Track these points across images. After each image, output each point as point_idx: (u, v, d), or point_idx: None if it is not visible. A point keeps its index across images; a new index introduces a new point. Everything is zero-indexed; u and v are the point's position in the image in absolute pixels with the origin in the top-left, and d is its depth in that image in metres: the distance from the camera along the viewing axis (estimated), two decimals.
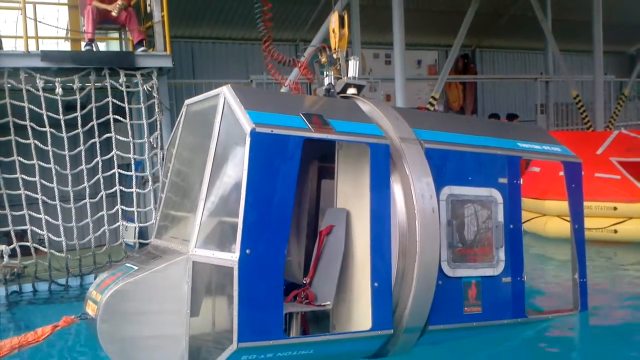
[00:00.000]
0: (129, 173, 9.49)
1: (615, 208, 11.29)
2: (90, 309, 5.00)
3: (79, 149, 9.18)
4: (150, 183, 9.51)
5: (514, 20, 18.96)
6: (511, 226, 6.26)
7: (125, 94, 9.50)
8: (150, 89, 9.73)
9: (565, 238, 10.10)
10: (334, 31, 6.57)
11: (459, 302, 5.89)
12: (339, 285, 5.62)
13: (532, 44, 20.16)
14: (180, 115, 6.04)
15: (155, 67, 9.84)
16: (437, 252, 5.64)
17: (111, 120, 9.39)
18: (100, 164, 9.29)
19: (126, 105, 9.50)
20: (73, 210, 9.06)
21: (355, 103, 6.11)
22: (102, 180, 9.28)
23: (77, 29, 11.72)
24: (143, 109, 9.64)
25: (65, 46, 12.83)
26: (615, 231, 11.26)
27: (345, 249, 5.68)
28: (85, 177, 9.19)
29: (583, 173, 7.11)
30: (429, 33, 18.35)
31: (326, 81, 6.41)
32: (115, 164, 9.35)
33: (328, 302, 5.58)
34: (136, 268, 5.11)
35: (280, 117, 5.10)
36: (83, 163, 9.19)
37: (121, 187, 9.35)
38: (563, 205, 11.15)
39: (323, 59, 6.64)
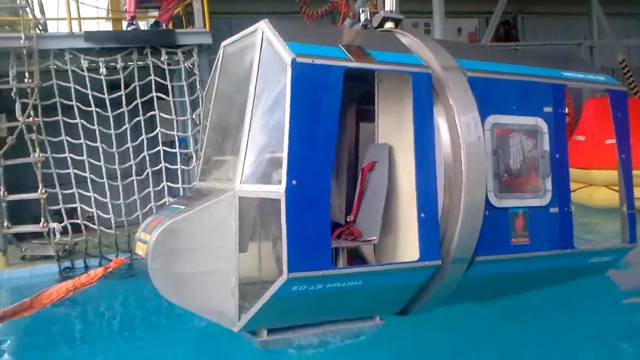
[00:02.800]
0: (173, 150, 9.62)
1: None
2: (140, 250, 5.08)
3: (124, 127, 9.34)
4: (194, 159, 9.61)
5: None
6: (557, 156, 6.16)
7: (167, 71, 9.59)
8: (191, 66, 9.81)
9: (613, 207, 9.93)
10: None
11: (507, 233, 5.83)
12: (384, 221, 5.62)
13: (575, 8, 19.53)
14: (217, 58, 6.04)
15: (195, 44, 9.90)
16: (483, 181, 5.56)
17: (154, 99, 9.49)
18: (145, 141, 9.43)
19: (168, 83, 9.60)
20: (120, 188, 9.24)
21: (394, 35, 6.04)
22: (147, 157, 9.43)
23: (117, 8, 11.84)
24: (185, 87, 9.72)
25: (106, 26, 12.98)
26: None
27: (389, 184, 5.66)
28: (131, 155, 9.35)
29: (631, 136, 6.94)
30: (468, 0, 17.97)
31: (362, 17, 6.33)
32: (160, 142, 9.47)
33: (374, 237, 5.60)
34: (182, 207, 5.17)
35: (321, 49, 5.06)
36: (128, 141, 9.35)
37: (166, 164, 9.49)
38: (610, 175, 10.97)
39: None
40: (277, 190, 4.74)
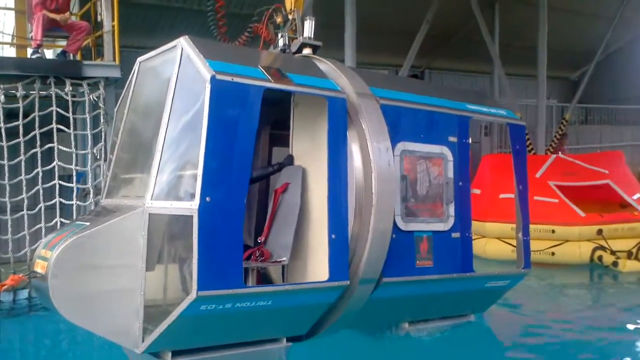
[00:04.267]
0: (70, 185, 9.28)
1: (553, 231, 11.68)
2: (40, 267, 4.85)
3: (19, 158, 8.94)
4: (91, 195, 9.31)
5: (463, 44, 19.45)
6: (460, 183, 6.47)
7: (70, 103, 9.29)
8: (96, 99, 9.55)
9: (505, 259, 10.43)
10: None
11: (412, 256, 6.04)
12: (294, 243, 5.67)
13: (479, 67, 20.68)
14: (132, 73, 5.93)
15: (102, 77, 9.67)
16: (392, 205, 5.76)
17: (54, 130, 9.17)
18: (40, 174, 9.03)
19: (70, 115, 9.29)
20: (9, 222, 8.80)
21: (311, 61, 6.21)
22: (41, 191, 9.02)
23: (23, 35, 11.47)
24: (88, 120, 9.43)
25: (10, 52, 12.53)
26: (553, 253, 11.65)
27: (301, 206, 5.74)
28: (24, 188, 8.93)
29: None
30: (380, 53, 18.64)
31: (281, 42, 6.47)
32: (56, 175, 9.11)
33: (284, 258, 5.64)
34: (87, 224, 5.01)
35: (240, 68, 5.10)
36: (22, 173, 8.95)
37: (61, 199, 9.12)
38: (502, 228, 11.55)
39: (278, 20, 6.67)
40: (190, 206, 4.68)
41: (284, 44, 6.49)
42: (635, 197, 13.16)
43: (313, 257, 5.67)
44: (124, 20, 10.62)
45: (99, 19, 10.48)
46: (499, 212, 11.56)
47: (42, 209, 8.99)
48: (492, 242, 11.93)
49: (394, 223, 5.82)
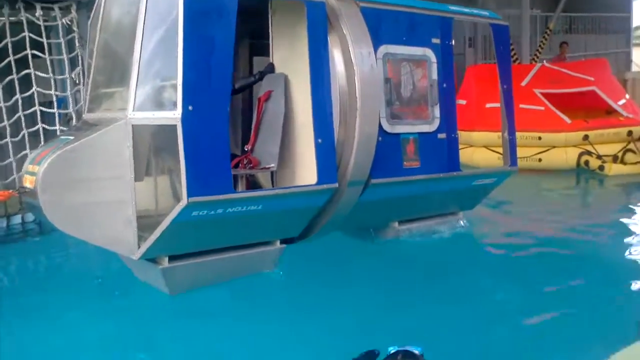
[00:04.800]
0: (51, 110, 9.11)
1: (539, 138, 11.76)
2: (28, 182, 4.87)
3: None
4: (74, 120, 9.17)
5: None
6: (444, 85, 6.51)
7: (43, 28, 9.01)
8: (69, 23, 9.26)
9: (492, 166, 10.51)
10: None
11: (399, 157, 6.15)
12: (281, 150, 5.72)
13: None
14: None
15: (74, 0, 9.36)
16: (377, 108, 5.81)
17: (29, 56, 8.92)
18: (20, 101, 8.84)
19: (44, 40, 9.02)
20: None
21: None
22: (23, 118, 8.86)
23: None
24: (63, 44, 9.18)
25: None
26: (540, 160, 11.76)
27: (286, 113, 5.76)
28: (5, 116, 8.77)
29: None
30: None
31: None
32: (37, 102, 8.92)
33: (272, 165, 5.71)
34: (72, 138, 5.00)
35: None
36: (1, 101, 8.75)
37: (44, 125, 8.97)
38: (489, 136, 11.60)
39: None
40: (173, 116, 4.68)
41: None
42: (620, 102, 13.18)
43: (301, 165, 5.71)
44: None
45: None
46: (486, 121, 11.58)
47: (26, 135, 8.85)
48: (480, 150, 11.99)
49: (380, 126, 5.86)
